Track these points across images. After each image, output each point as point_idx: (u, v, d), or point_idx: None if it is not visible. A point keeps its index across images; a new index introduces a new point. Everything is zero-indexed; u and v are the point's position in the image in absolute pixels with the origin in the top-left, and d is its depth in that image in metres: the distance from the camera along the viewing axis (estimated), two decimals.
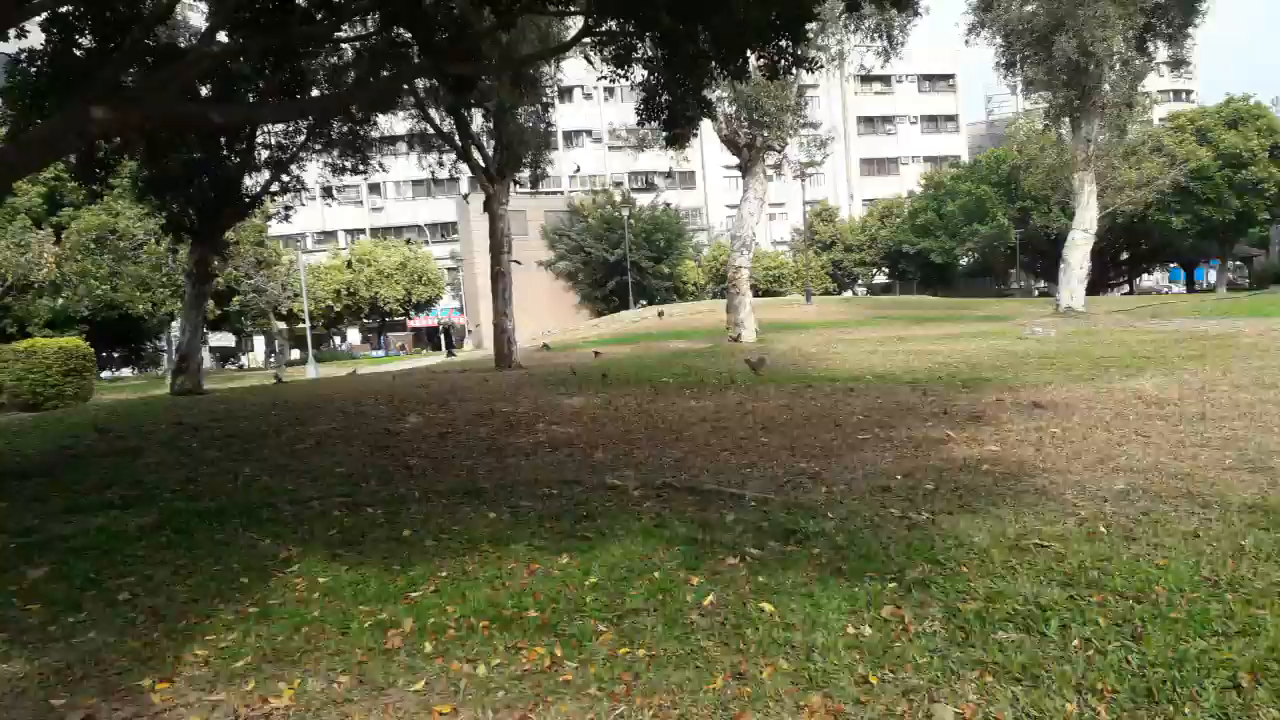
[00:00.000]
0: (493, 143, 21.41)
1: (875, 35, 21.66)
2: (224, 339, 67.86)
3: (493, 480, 8.58)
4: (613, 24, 13.53)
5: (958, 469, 8.10)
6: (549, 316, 57.77)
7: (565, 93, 73.65)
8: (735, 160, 22.81)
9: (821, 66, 12.99)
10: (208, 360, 64.96)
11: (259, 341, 66.34)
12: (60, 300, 32.10)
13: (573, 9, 12.80)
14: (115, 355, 49.94)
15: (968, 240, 65.94)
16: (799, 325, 31.33)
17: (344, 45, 17.46)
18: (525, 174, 22.55)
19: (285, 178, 22.13)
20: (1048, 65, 23.60)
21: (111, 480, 9.97)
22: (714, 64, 13.59)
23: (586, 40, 14.30)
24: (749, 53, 13.20)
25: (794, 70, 13.16)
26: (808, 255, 64.87)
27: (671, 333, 32.85)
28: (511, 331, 21.65)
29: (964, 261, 72.07)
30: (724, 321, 35.38)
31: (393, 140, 25.84)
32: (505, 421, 12.33)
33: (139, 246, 34.14)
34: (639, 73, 14.67)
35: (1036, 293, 67.94)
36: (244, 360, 66.91)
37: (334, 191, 22.53)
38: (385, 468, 9.76)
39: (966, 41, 25.22)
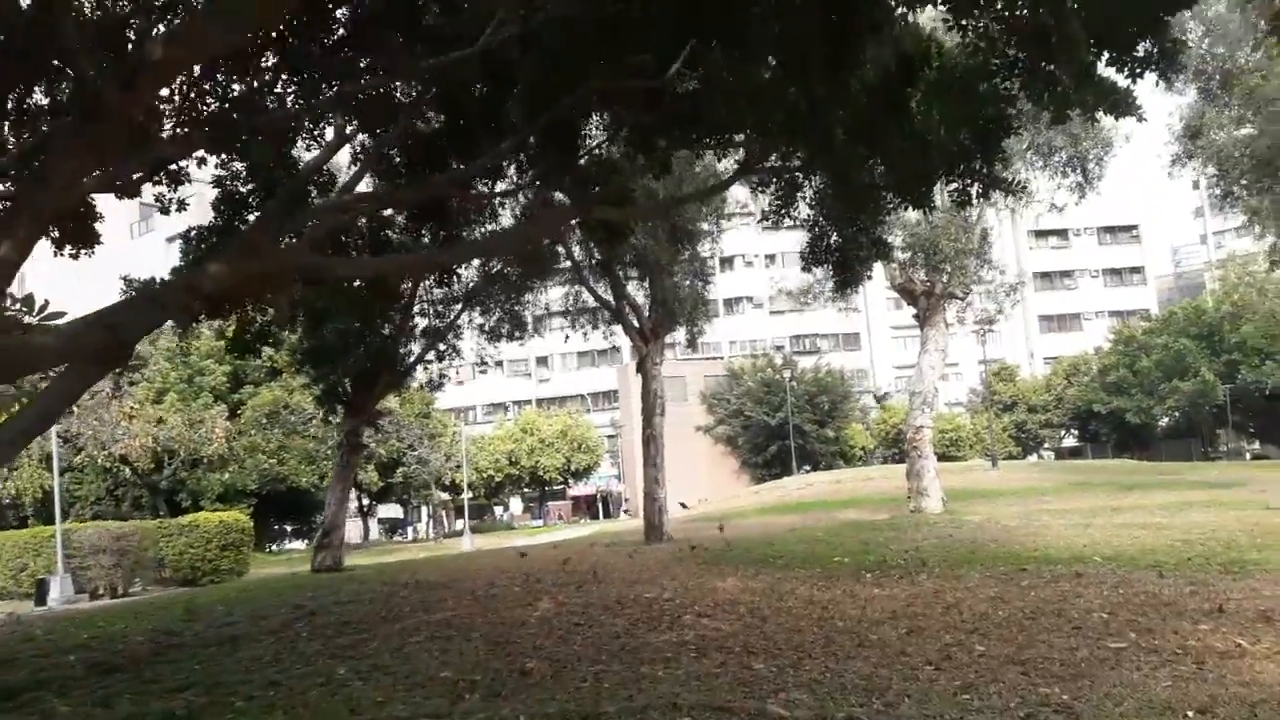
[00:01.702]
0: (648, 302, 20.42)
1: (1068, 170, 19.62)
2: (392, 510, 69.24)
3: (619, 700, 6.60)
4: (776, 159, 12.26)
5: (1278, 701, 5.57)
6: (707, 483, 55.73)
7: (726, 262, 74.31)
8: (902, 321, 20.98)
9: (1021, 190, 11.11)
10: (375, 532, 66.15)
11: (425, 512, 67.18)
12: (227, 475, 32.97)
13: (735, 142, 11.61)
14: (287, 528, 51.24)
15: (1167, 399, 59.92)
16: (988, 493, 27.97)
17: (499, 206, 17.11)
18: (681, 334, 21.33)
19: (441, 346, 21.82)
20: (1273, 195, 20.69)
21: (192, 680, 8.62)
22: (891, 196, 12.01)
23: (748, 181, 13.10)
24: (933, 181, 11.57)
25: (988, 195, 11.34)
26: (988, 416, 60.54)
27: (842, 500, 30.08)
28: (663, 500, 19.85)
29: (1163, 422, 65.41)
30: (901, 488, 32.43)
31: (551, 315, 25.50)
32: (646, 611, 10.35)
33: (309, 420, 35.05)
34: (804, 212, 13.31)
35: (1249, 455, 60.43)
36: (410, 532, 67.70)
37: (489, 361, 21.98)
38: (497, 671, 7.96)
39: (1170, 174, 22.65)
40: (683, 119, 10.82)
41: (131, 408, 31.30)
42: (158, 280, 9.64)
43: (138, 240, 63.07)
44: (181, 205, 13.46)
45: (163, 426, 30.80)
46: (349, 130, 12.40)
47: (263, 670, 8.88)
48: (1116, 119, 10.21)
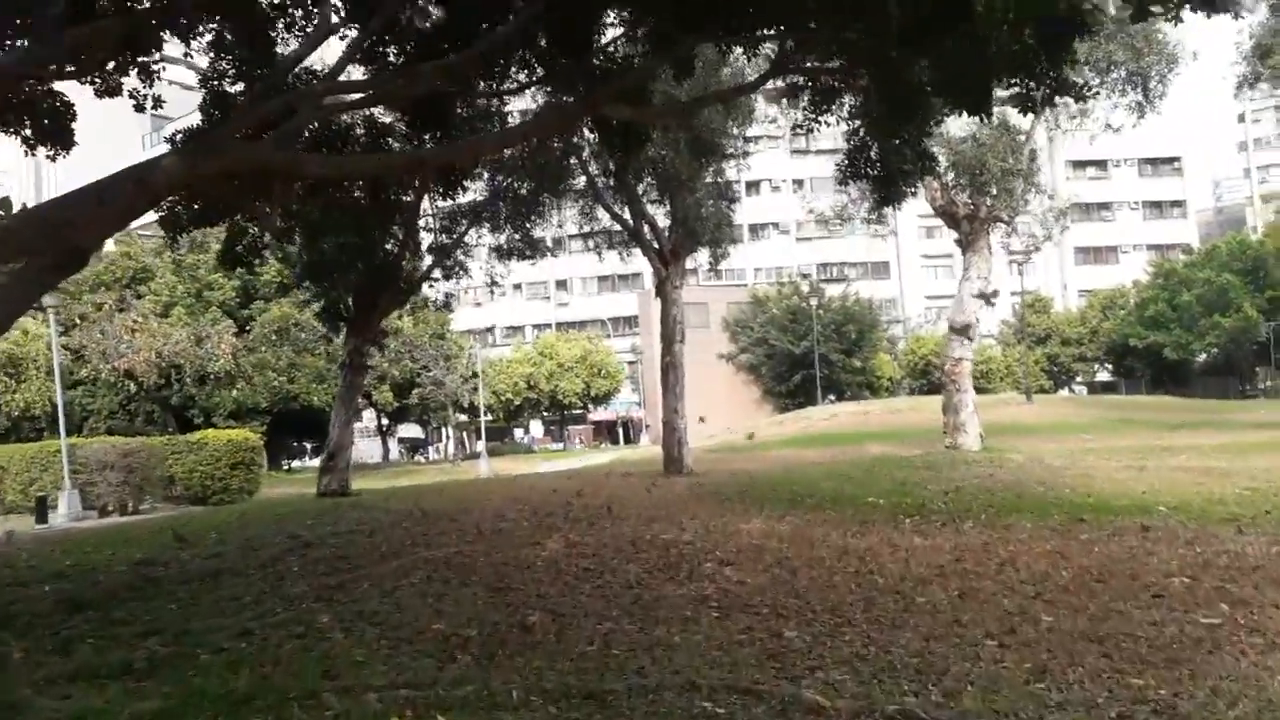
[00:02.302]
0: (668, 222, 19.13)
1: (1126, 87, 17.93)
2: (412, 430, 69.06)
3: (629, 673, 5.65)
4: (812, 59, 10.88)
5: None
6: (729, 412, 54.83)
7: (752, 186, 72.19)
8: (935, 249, 19.55)
9: (1090, 94, 9.72)
10: (394, 452, 66.11)
11: (446, 433, 66.93)
12: (235, 391, 32.32)
13: (766, 37, 10.22)
14: (307, 445, 50.97)
15: (1207, 335, 58.06)
16: (1025, 428, 26.88)
17: (505, 111, 15.77)
18: (704, 257, 20.08)
19: (448, 264, 20.70)
20: None
21: (162, 624, 7.80)
22: (942, 101, 10.64)
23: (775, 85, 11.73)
24: (991, 84, 10.19)
25: (1052, 100, 9.97)
26: (1021, 349, 59.02)
27: (870, 433, 29.05)
28: (683, 431, 18.86)
29: (1201, 358, 63.61)
30: (932, 422, 31.35)
31: (566, 236, 24.12)
32: (663, 556, 9.41)
33: (320, 338, 34.23)
34: (838, 124, 11.99)
35: None
36: (430, 453, 67.60)
37: (500, 281, 20.84)
38: (495, 626, 7.06)
39: (1236, 95, 20.82)
40: (709, 9, 9.51)
41: (135, 321, 30.56)
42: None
43: (151, 151, 61.82)
44: (157, 102, 12.34)
45: (167, 341, 30.06)
46: (334, 20, 11.10)
47: (240, 613, 8.05)
48: (1209, 15, 8.77)
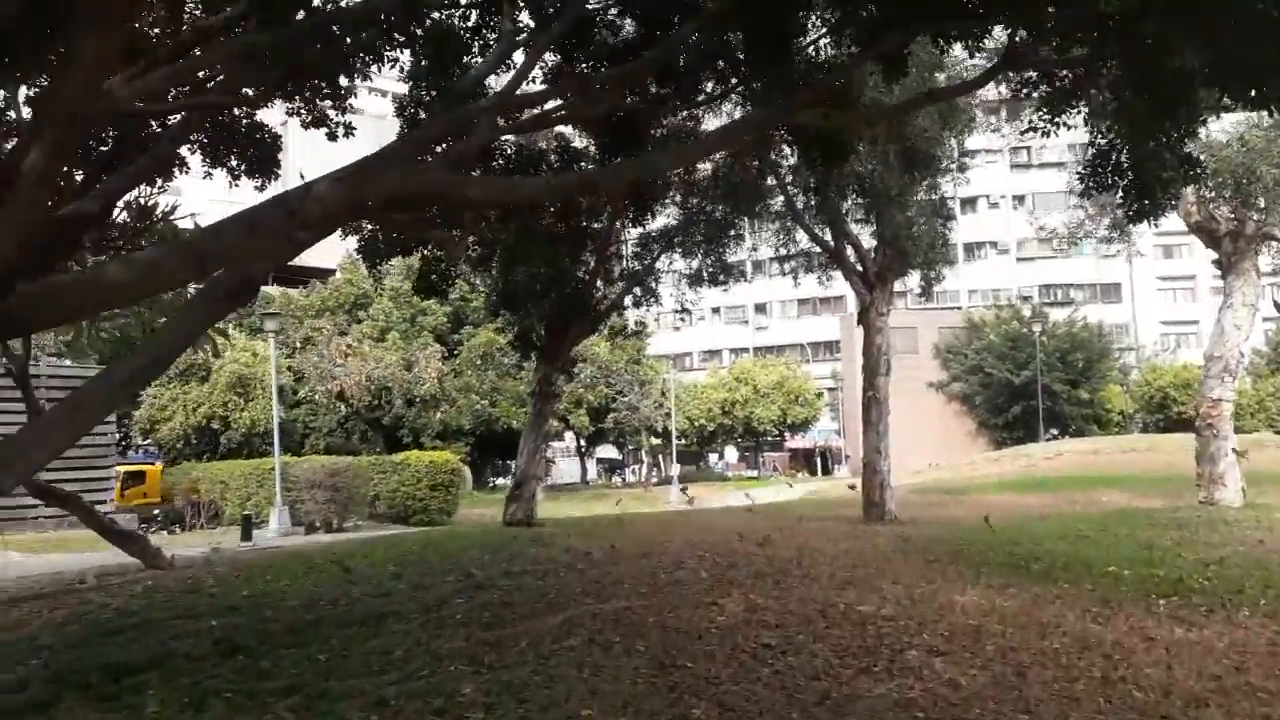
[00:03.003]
0: (874, 242, 17.60)
1: None
2: (610, 451, 69.76)
3: None
4: (1049, 49, 9.24)
5: None
6: (939, 446, 51.49)
7: (968, 203, 68.07)
8: (1173, 270, 16.80)
9: None
10: (592, 471, 66.95)
11: (645, 455, 67.07)
12: (438, 415, 33.33)
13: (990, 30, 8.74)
14: (511, 464, 52.31)
15: None
16: None
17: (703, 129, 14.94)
18: (914, 280, 18.34)
19: (638, 291, 20.08)
20: None
21: (303, 680, 7.29)
22: (1214, 93, 8.77)
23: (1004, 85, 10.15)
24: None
25: None
26: (1277, 381, 52.02)
27: (1102, 477, 25.86)
28: (886, 474, 17.14)
29: None
30: (1173, 466, 27.62)
31: (762, 259, 22.93)
32: (858, 635, 8.02)
33: (522, 363, 34.89)
34: (1079, 124, 10.21)
35: None
36: (628, 474, 67.92)
37: (690, 308, 20.00)
38: (653, 717, 6.03)
39: None
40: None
41: (350, 345, 32.15)
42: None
43: None
44: (349, 130, 12.36)
45: (378, 365, 31.41)
46: (521, 38, 10.57)
47: (385, 673, 7.42)
48: None
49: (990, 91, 19.70)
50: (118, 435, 43.27)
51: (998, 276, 72.71)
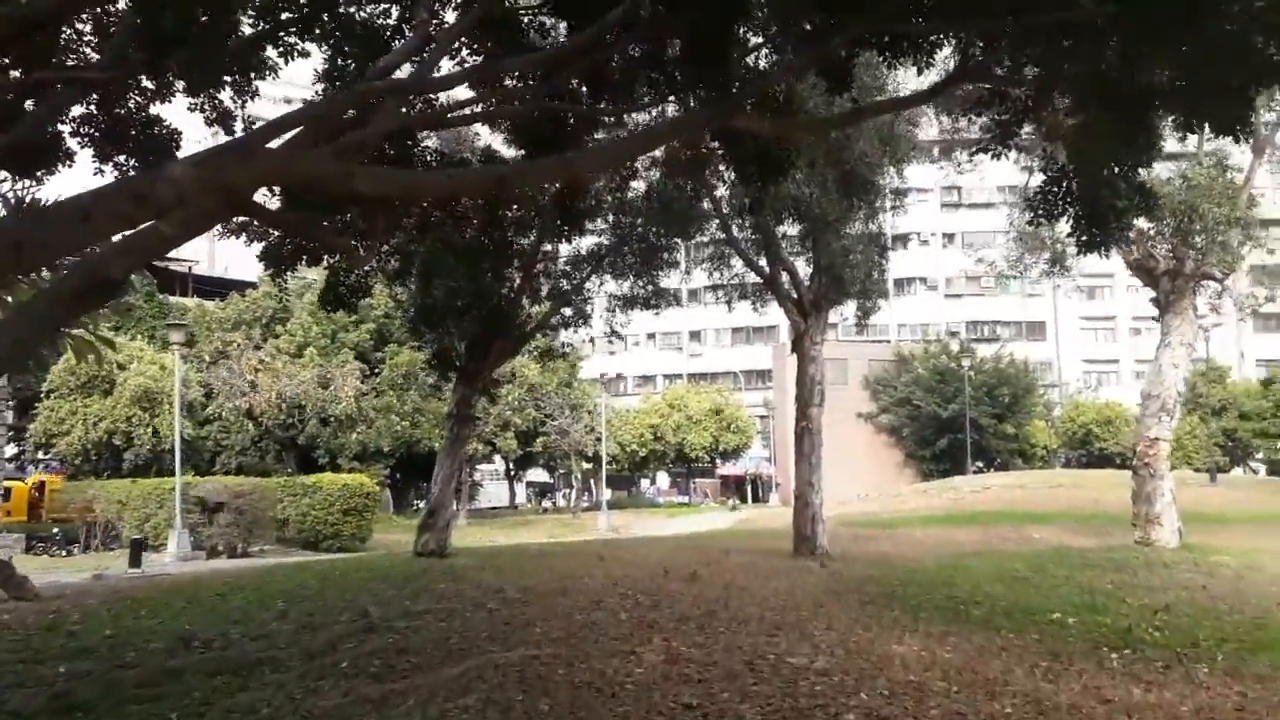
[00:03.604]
0: (809, 270, 17.04)
1: None
2: (540, 473, 68.23)
3: None
4: (1002, 66, 8.71)
5: None
6: (868, 475, 51.45)
7: (899, 239, 68.91)
8: (1094, 311, 16.63)
9: None
10: (521, 495, 65.40)
11: (576, 479, 65.72)
12: (354, 435, 31.87)
13: (944, 42, 8.14)
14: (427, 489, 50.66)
15: None
16: (1216, 517, 23.05)
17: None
18: (850, 310, 17.82)
19: (567, 312, 19.21)
20: None
21: None
22: (1177, 116, 8.36)
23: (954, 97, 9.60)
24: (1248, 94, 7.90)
25: None
26: (1193, 421, 53.25)
27: (1031, 514, 25.68)
28: (818, 507, 16.48)
29: None
30: (1099, 501, 27.67)
31: (695, 284, 22.19)
32: (788, 692, 7.20)
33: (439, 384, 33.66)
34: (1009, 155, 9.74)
35: None
36: (558, 498, 66.55)
37: (620, 332, 19.13)
38: None
39: None
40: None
41: (263, 361, 30.57)
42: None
43: None
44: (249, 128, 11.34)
45: (289, 382, 29.89)
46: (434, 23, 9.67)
47: None
48: None
49: (930, 130, 19.49)
50: (15, 450, 40.72)
51: (926, 311, 73.74)
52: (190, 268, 62.97)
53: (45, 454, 36.72)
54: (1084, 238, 9.59)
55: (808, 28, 8.43)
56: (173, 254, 67.21)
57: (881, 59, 9.04)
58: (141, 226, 7.11)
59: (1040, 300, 74.83)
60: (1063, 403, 66.50)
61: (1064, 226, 15.29)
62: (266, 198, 10.49)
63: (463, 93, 12.84)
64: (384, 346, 38.20)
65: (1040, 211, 9.32)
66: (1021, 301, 75.70)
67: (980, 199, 74.64)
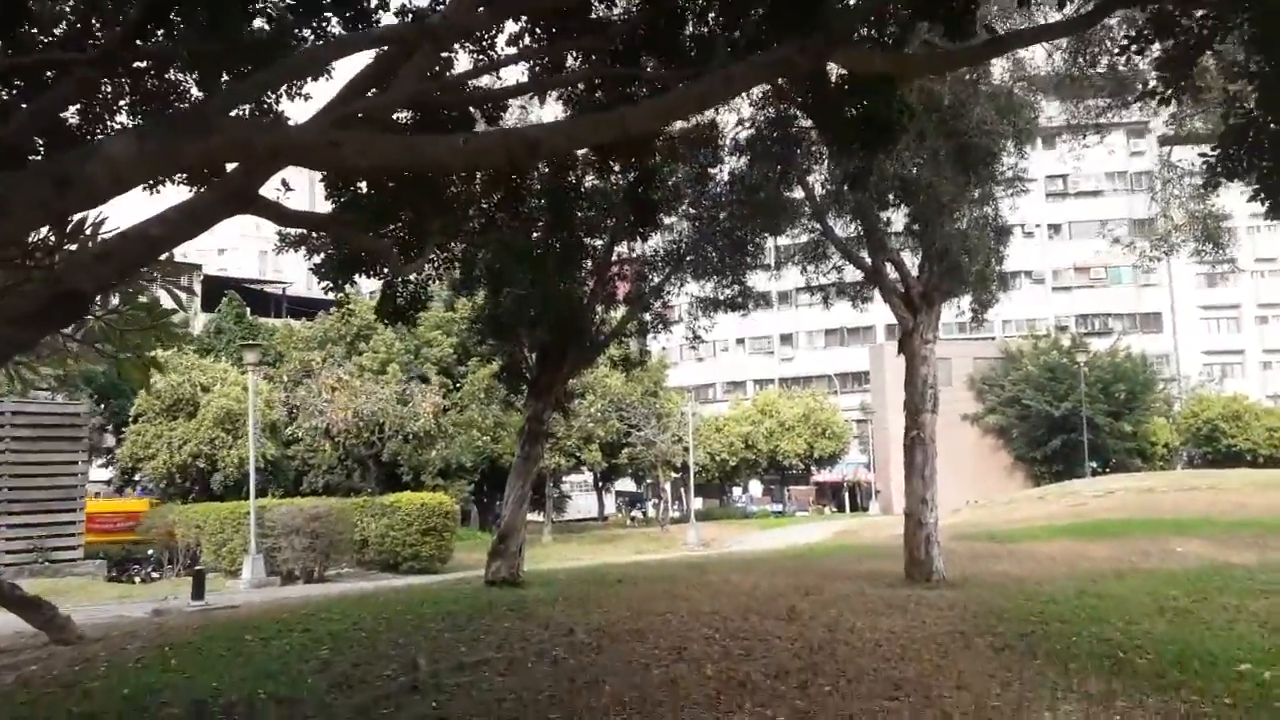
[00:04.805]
0: (918, 258, 15.18)
1: None
2: (629, 484, 66.91)
3: None
4: None
5: None
6: (974, 480, 48.63)
7: (1001, 232, 65.50)
8: (1215, 299, 14.10)
9: None
10: (610, 505, 64.16)
11: (665, 488, 64.17)
12: (434, 452, 31.04)
13: None
14: None
15: None
16: None
17: None
18: (964, 303, 15.86)
19: (646, 317, 17.76)
20: None
21: None
22: None
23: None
24: None
25: None
26: None
27: (1169, 521, 23.00)
28: (933, 528, 14.55)
29: None
30: (1249, 508, 24.83)
31: (789, 286, 20.43)
32: None
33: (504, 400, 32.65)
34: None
35: None
36: (648, 508, 65.12)
37: (703, 336, 17.55)
38: None
39: None
40: None
41: (341, 378, 30.01)
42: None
43: None
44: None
45: (366, 399, 29.24)
46: None
47: None
48: None
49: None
50: (111, 474, 41.44)
51: (1033, 306, 69.79)
52: (285, 289, 63.96)
53: (132, 478, 37.08)
54: (1268, 198, 7.66)
55: None
56: (259, 275, 68.46)
57: None
58: (121, 230, 5.99)
59: (1155, 290, 70.49)
60: (1183, 397, 62.07)
61: (1219, 199, 13.23)
62: (281, 193, 9.33)
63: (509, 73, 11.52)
64: (468, 360, 37.44)
65: (1224, 167, 7.41)
66: (1135, 292, 71.37)
67: (1088, 187, 70.69)
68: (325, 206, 11.80)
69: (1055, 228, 71.83)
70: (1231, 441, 55.90)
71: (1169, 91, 7.09)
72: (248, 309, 47.77)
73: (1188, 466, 54.98)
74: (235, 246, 76.17)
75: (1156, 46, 7.49)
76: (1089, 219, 69.71)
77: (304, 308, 52.08)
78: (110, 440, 39.90)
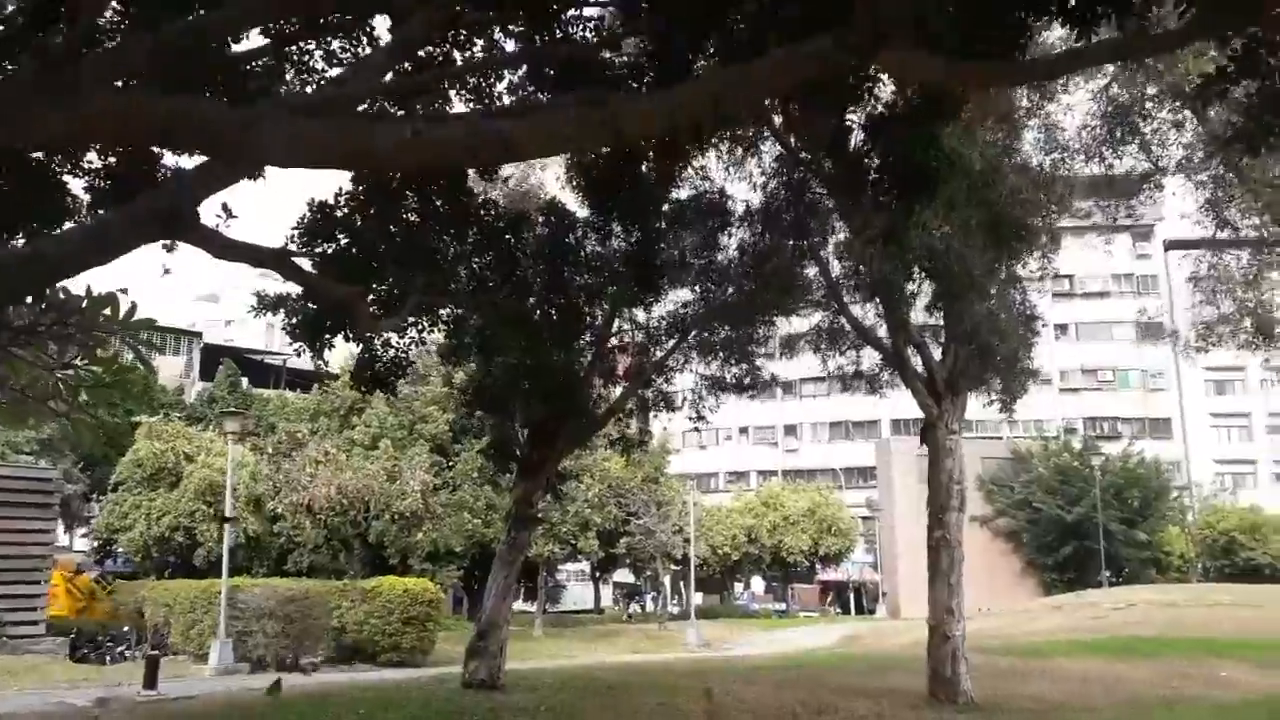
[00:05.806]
0: (939, 340, 14.15)
1: None
2: (627, 575, 64.65)
3: None
4: None
5: None
6: (985, 586, 46.51)
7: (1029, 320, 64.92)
8: (1225, 407, 12.94)
9: None
10: (607, 597, 61.82)
11: (665, 581, 61.93)
12: (420, 534, 29.49)
13: None
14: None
15: None
16: None
17: None
18: (993, 390, 14.75)
19: (648, 393, 16.66)
20: None
21: None
22: None
23: None
24: None
25: None
26: None
27: (1201, 640, 21.39)
28: (960, 641, 13.11)
29: None
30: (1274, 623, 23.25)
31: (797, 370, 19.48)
32: None
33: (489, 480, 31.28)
34: None
35: None
36: (647, 601, 62.78)
37: (707, 417, 16.47)
38: None
39: None
40: None
41: (326, 453, 28.71)
42: None
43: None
44: None
45: (352, 475, 27.88)
46: None
47: None
48: None
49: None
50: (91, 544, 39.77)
51: (1040, 407, 68.60)
52: (285, 360, 63.14)
53: (105, 549, 35.50)
54: None
55: None
56: (265, 347, 67.70)
57: None
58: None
59: (1163, 395, 69.58)
60: (1195, 506, 60.34)
61: (1271, 291, 12.31)
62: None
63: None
64: (463, 438, 36.09)
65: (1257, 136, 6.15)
66: (1143, 396, 70.40)
67: (1094, 288, 70.32)
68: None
69: (1062, 328, 71.16)
70: (1251, 554, 53.99)
71: (1267, 139, 6.06)
72: (244, 379, 46.75)
73: (1204, 579, 53.01)
74: (242, 319, 75.64)
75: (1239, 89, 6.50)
76: (1096, 319, 69.42)
77: (304, 380, 51.08)
78: (97, 509, 38.45)
